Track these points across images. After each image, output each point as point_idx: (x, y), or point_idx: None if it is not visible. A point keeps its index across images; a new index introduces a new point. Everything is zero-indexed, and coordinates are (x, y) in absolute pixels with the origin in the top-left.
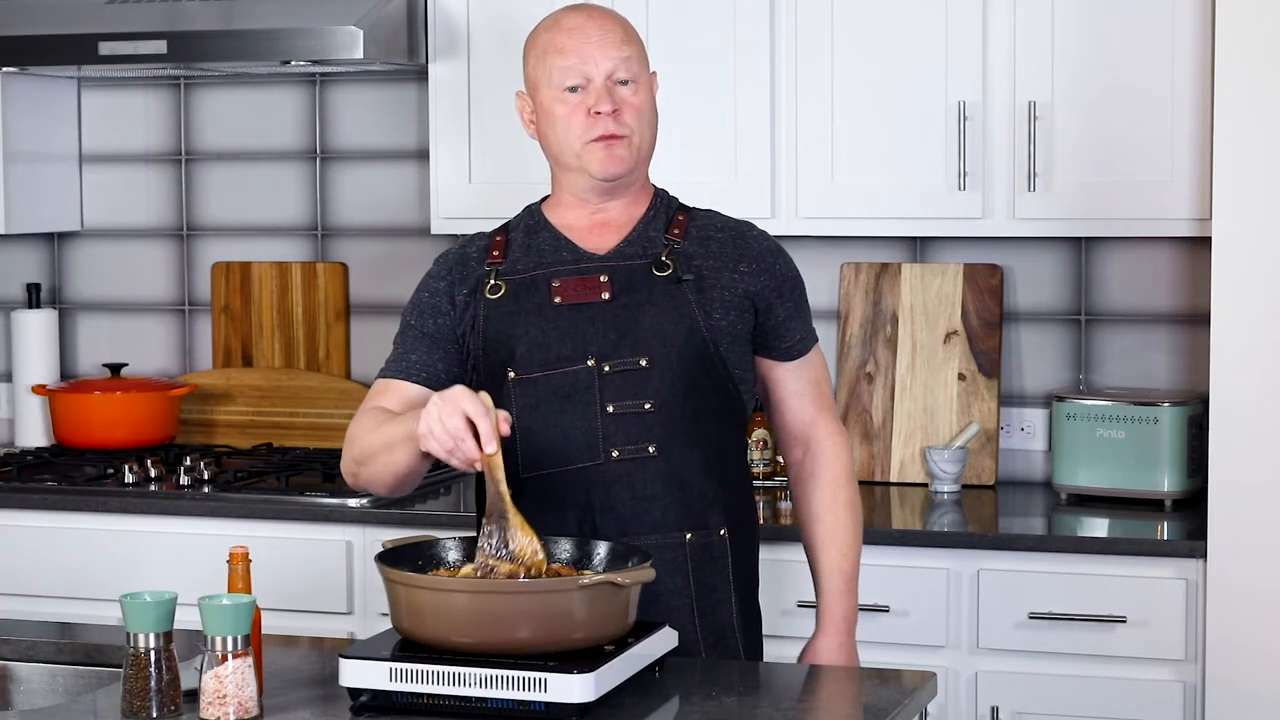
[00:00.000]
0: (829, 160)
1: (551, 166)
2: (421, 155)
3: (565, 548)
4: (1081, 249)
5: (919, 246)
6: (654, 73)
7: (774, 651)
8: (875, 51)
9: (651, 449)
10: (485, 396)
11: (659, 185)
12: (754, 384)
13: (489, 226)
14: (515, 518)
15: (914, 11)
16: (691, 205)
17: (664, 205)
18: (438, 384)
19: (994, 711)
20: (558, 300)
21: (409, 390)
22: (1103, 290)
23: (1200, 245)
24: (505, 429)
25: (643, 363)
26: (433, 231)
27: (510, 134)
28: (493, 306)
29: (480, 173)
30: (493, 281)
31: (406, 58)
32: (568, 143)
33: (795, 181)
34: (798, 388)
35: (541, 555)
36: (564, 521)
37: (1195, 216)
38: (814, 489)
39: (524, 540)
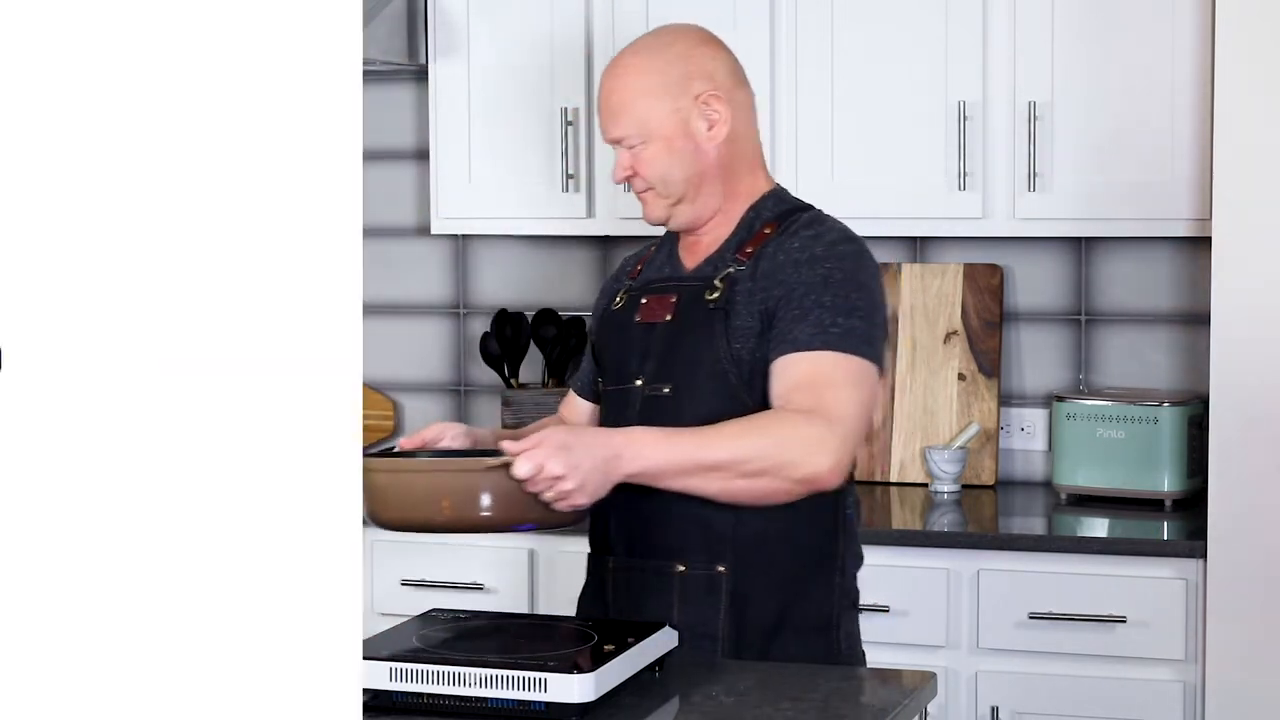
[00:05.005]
0: (829, 160)
1: None
2: (421, 155)
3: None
4: (1081, 249)
5: (919, 246)
6: (697, 96)
7: None
8: (875, 51)
9: None
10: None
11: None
12: None
13: (489, 227)
14: None
15: (914, 11)
16: (799, 210)
17: (753, 219)
18: (594, 396)
19: (994, 711)
20: (638, 319)
21: (576, 402)
22: (1103, 290)
23: (1200, 245)
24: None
25: (666, 390)
26: (433, 231)
27: (510, 134)
28: (607, 318)
29: (480, 173)
30: (618, 296)
31: (406, 58)
32: None
33: (795, 182)
34: (783, 387)
35: None
36: (591, 528)
37: (1195, 216)
38: None
39: None
